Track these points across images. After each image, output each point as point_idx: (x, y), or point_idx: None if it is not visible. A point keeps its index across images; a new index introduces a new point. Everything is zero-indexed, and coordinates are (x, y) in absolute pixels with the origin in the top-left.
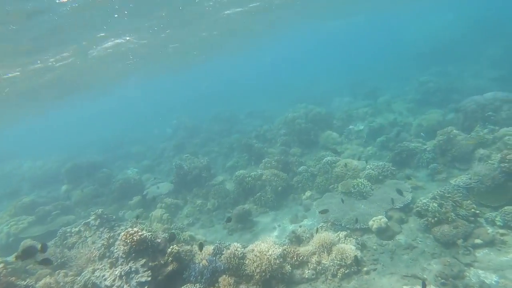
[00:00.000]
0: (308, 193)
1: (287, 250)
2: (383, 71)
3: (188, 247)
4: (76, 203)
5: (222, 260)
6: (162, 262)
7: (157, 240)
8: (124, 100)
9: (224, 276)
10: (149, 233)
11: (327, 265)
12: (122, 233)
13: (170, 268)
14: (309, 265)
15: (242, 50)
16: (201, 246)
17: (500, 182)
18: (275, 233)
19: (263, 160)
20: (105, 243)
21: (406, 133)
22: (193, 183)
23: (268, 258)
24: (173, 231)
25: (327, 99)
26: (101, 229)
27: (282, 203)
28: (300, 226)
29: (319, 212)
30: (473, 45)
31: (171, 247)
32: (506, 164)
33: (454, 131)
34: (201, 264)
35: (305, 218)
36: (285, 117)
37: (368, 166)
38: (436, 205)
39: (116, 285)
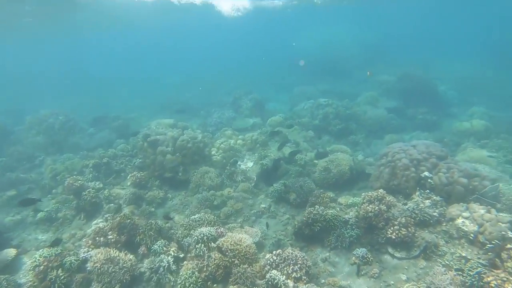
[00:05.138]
0: None
1: None
2: (266, 80)
3: None
4: None
5: None
6: None
7: None
8: None
9: None
10: None
11: None
12: None
13: None
14: None
15: None
16: None
17: None
18: None
19: (93, 223)
20: None
21: (310, 180)
22: None
23: None
24: None
25: (202, 110)
26: None
27: None
28: None
29: None
30: (365, 66)
31: None
32: None
33: (387, 198)
34: None
35: None
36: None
37: (269, 256)
38: None
39: None
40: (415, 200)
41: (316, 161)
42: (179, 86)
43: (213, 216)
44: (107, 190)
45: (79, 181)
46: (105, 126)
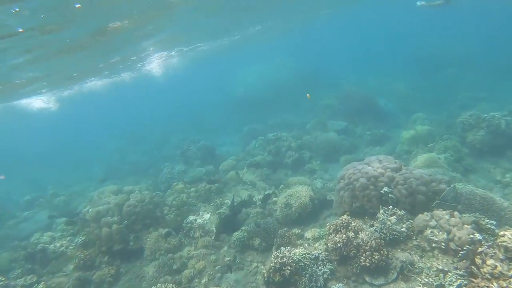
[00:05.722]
0: None
1: None
2: (214, 125)
3: None
4: None
5: None
6: None
7: None
8: None
9: None
10: None
11: None
12: None
13: None
14: None
15: None
16: None
17: None
18: None
19: None
20: None
21: (272, 219)
22: None
23: None
24: None
25: (151, 168)
26: None
27: None
28: None
29: None
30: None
31: None
32: None
33: (353, 223)
34: None
35: None
36: (85, 212)
37: None
38: None
39: None
40: (381, 219)
41: (275, 199)
42: (122, 149)
43: (171, 285)
44: (43, 283)
45: (1, 282)
46: (42, 207)
